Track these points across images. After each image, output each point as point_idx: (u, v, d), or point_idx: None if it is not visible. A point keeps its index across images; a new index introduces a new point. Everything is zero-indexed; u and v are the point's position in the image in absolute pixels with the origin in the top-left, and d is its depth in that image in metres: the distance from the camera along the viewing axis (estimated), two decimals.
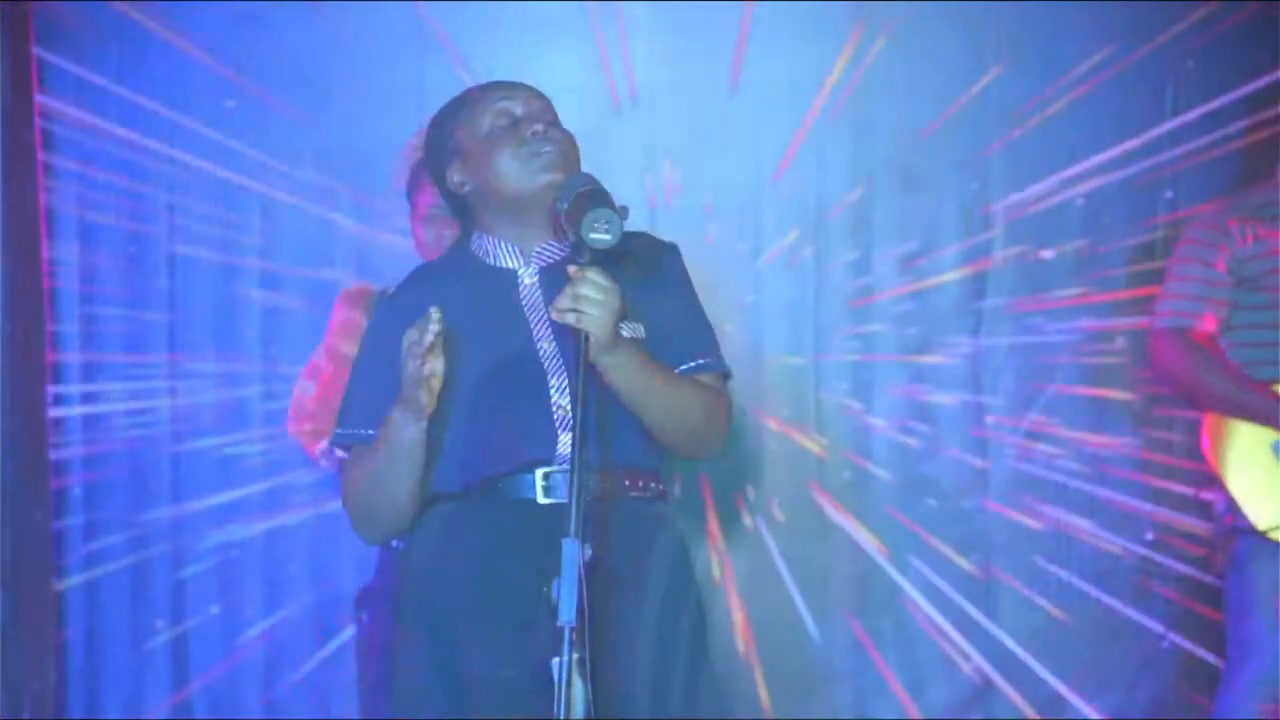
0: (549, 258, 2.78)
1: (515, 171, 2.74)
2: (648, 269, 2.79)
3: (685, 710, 2.67)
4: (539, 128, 2.76)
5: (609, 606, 2.58)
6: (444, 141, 2.83)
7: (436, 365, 2.59)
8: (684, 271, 2.85)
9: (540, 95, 2.84)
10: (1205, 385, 3.93)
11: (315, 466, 3.91)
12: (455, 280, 2.80)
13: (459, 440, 2.70)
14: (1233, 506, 3.90)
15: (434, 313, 2.56)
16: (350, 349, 3.78)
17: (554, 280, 2.68)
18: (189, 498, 4.48)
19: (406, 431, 2.64)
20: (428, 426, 2.64)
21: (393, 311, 2.79)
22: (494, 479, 2.69)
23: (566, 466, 2.61)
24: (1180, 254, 4.04)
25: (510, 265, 2.78)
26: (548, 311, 2.68)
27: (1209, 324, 3.95)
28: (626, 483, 2.72)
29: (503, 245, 2.79)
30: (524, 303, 2.75)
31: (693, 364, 2.78)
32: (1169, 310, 3.99)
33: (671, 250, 2.86)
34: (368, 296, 3.85)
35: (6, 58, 4.28)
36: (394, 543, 3.67)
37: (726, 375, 2.85)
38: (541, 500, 2.67)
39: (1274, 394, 3.90)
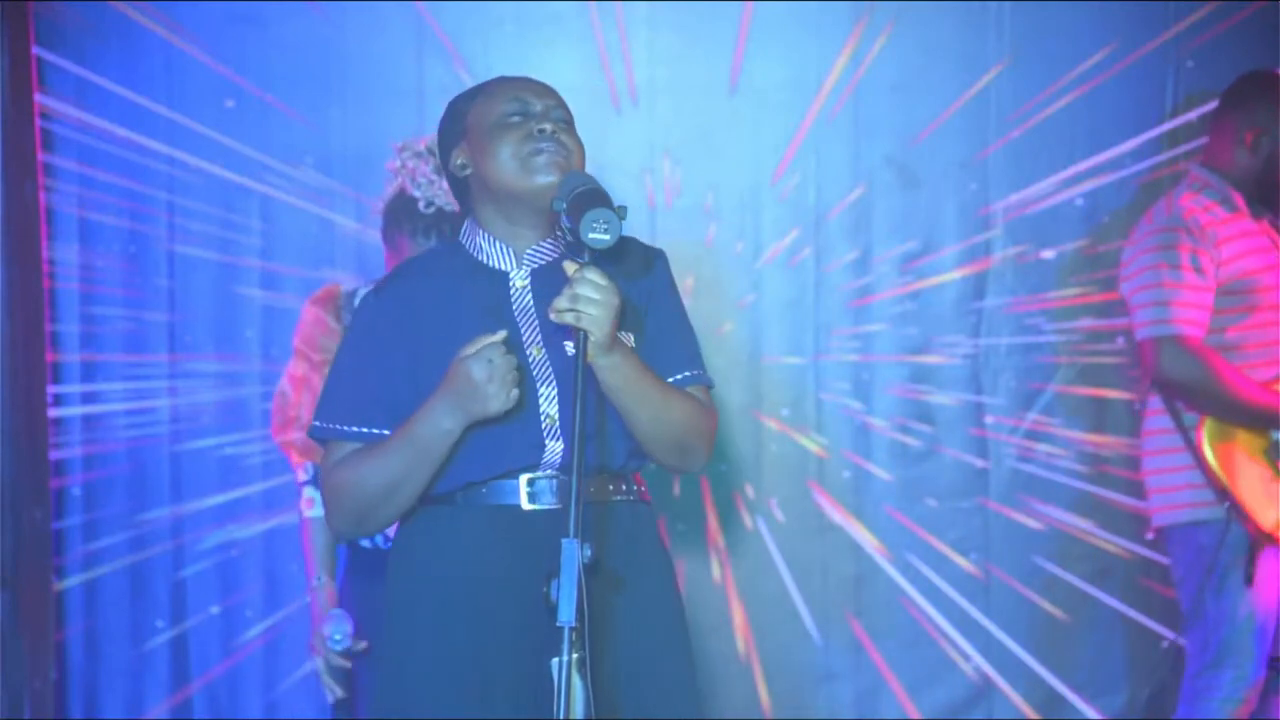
0: (541, 259, 2.70)
1: (513, 167, 2.65)
2: (639, 275, 2.73)
3: (670, 711, 2.64)
4: (547, 127, 2.67)
5: (597, 609, 2.54)
6: (456, 120, 2.75)
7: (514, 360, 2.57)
8: (672, 278, 2.78)
9: (560, 101, 2.75)
10: (1219, 391, 3.89)
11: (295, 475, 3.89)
12: (445, 276, 2.72)
13: None
14: (1237, 513, 3.88)
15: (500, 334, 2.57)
16: (321, 350, 3.77)
17: (545, 283, 2.64)
18: (189, 498, 4.48)
19: (444, 424, 2.57)
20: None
21: (379, 305, 2.71)
22: (477, 484, 2.64)
23: (551, 473, 2.61)
24: (1154, 260, 3.99)
25: (502, 267, 2.70)
26: (538, 315, 2.65)
27: (1201, 329, 3.93)
28: (610, 486, 2.67)
29: (496, 244, 2.70)
30: (515, 306, 2.68)
31: (682, 375, 2.72)
32: (1170, 318, 3.94)
33: (660, 256, 2.78)
34: (336, 298, 3.83)
35: (6, 58, 4.28)
36: (364, 542, 3.67)
37: (710, 387, 2.78)
38: (525, 506, 2.62)
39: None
